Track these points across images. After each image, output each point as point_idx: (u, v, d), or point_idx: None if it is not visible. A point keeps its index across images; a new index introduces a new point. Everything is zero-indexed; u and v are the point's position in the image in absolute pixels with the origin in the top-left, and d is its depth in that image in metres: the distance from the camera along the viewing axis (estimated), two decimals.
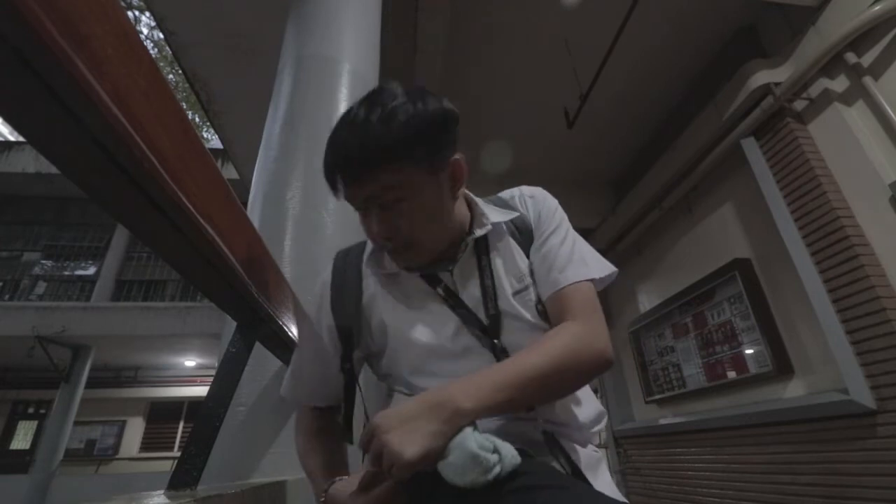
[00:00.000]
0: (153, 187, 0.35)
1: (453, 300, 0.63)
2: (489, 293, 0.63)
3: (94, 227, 8.55)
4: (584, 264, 0.65)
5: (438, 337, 0.62)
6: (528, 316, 0.63)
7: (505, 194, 0.75)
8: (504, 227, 0.69)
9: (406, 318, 0.64)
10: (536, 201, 0.72)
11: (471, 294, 0.64)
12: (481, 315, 0.62)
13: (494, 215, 0.68)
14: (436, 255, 0.64)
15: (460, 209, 0.67)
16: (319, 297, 0.71)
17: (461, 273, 0.65)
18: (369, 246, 0.69)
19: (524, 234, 0.69)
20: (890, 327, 2.05)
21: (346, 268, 0.71)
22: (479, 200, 0.70)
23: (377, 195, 0.56)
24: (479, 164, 4.49)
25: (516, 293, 0.64)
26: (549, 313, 0.64)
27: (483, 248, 0.67)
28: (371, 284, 0.68)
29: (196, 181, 0.43)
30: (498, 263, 0.66)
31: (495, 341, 0.60)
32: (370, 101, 0.56)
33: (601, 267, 0.68)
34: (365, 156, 0.54)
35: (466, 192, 0.69)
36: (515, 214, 0.70)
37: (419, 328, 0.63)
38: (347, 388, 0.67)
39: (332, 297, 0.69)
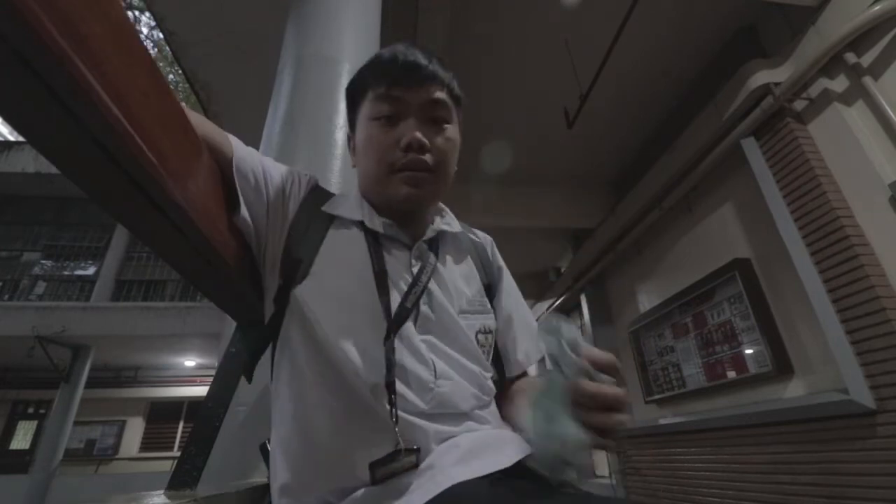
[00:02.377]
0: (153, 187, 0.35)
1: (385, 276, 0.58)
2: (416, 289, 0.57)
3: (94, 227, 8.55)
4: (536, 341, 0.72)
5: (357, 296, 0.56)
6: (464, 335, 0.60)
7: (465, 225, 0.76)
8: (469, 243, 0.71)
9: (343, 262, 0.59)
10: (497, 252, 0.76)
11: (401, 280, 0.58)
12: (394, 304, 0.56)
13: (460, 227, 0.71)
14: (420, 215, 0.64)
15: None
16: (299, 183, 0.64)
17: (416, 256, 0.62)
18: (351, 196, 0.66)
19: (484, 262, 0.72)
20: (890, 327, 2.06)
21: (319, 201, 0.64)
22: (444, 206, 0.71)
23: (432, 105, 0.59)
24: (480, 164, 4.49)
25: (462, 313, 0.61)
26: (515, 373, 0.69)
27: (434, 247, 0.64)
28: (333, 228, 0.62)
29: (196, 181, 0.43)
30: (447, 270, 0.64)
31: (392, 336, 0.54)
32: (414, 45, 0.61)
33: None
34: (433, 69, 0.59)
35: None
36: (478, 240, 0.74)
37: (347, 272, 0.58)
38: (273, 321, 0.58)
39: (304, 201, 0.62)
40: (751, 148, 2.86)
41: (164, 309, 7.30)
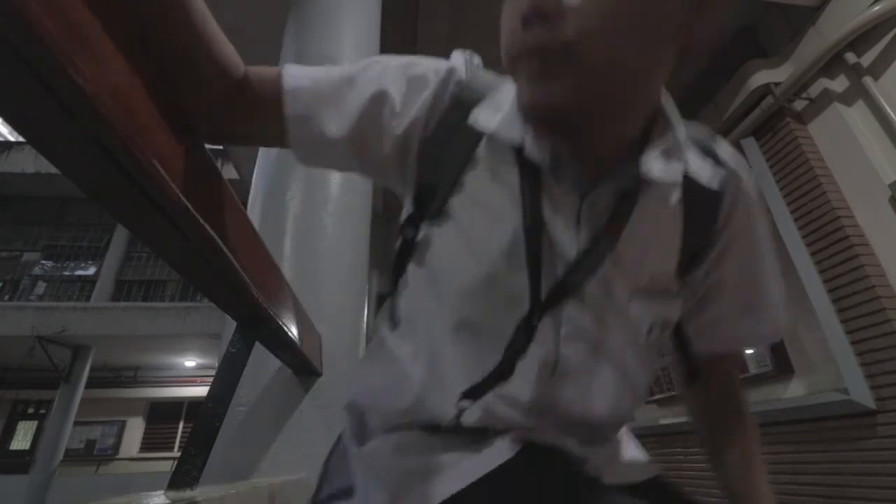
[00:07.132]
0: (153, 187, 0.35)
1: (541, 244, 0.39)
2: (579, 263, 0.38)
3: (94, 227, 8.56)
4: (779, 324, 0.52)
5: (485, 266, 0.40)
6: (629, 333, 0.41)
7: (706, 134, 0.45)
8: (693, 190, 0.41)
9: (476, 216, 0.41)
10: (749, 198, 0.46)
11: (561, 245, 0.39)
12: (547, 280, 0.39)
13: (695, 163, 0.41)
14: (596, 130, 0.38)
15: (654, 96, 0.40)
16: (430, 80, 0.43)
17: (590, 208, 0.39)
18: (510, 98, 0.41)
19: (706, 221, 0.44)
20: (890, 327, 2.06)
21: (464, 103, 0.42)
22: (674, 113, 0.41)
23: None
24: None
25: (637, 291, 0.41)
26: (712, 356, 0.53)
27: (627, 200, 0.39)
28: (481, 150, 0.42)
29: (196, 181, 0.43)
30: (635, 238, 0.40)
31: (534, 323, 0.38)
32: None
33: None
34: None
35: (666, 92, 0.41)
36: (713, 187, 0.42)
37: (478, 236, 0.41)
38: (399, 259, 0.46)
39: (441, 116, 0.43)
40: (751, 148, 2.86)
41: (164, 309, 7.31)
